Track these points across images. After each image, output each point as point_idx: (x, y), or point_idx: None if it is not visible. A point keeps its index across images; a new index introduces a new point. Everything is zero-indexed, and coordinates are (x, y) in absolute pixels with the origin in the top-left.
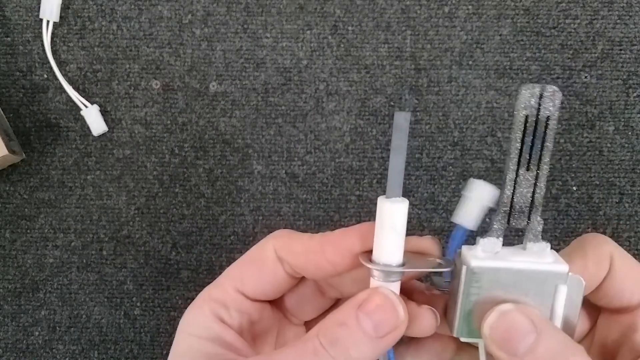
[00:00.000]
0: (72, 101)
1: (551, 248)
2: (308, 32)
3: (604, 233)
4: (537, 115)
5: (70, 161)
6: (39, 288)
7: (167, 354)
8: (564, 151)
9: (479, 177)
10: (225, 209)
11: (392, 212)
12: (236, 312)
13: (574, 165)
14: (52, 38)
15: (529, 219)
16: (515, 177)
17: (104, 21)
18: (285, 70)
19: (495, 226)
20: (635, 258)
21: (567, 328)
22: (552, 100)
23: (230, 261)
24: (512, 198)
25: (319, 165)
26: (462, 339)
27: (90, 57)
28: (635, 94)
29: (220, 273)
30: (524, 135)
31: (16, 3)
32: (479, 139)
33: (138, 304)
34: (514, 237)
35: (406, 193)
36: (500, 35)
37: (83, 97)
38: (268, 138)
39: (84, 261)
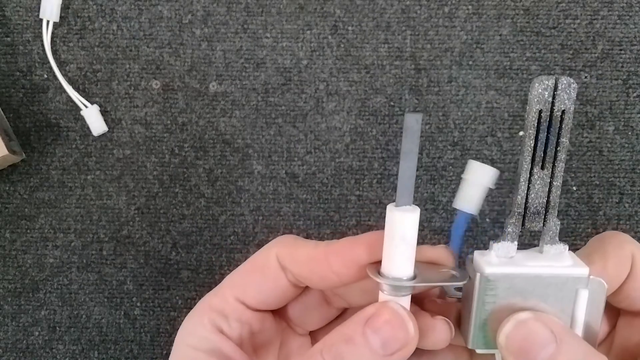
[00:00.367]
0: (72, 101)
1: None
2: (308, 32)
3: None
4: (552, 109)
5: (70, 161)
6: (39, 288)
7: (167, 354)
8: None
9: None
10: (225, 209)
11: (403, 222)
12: (236, 322)
13: (574, 165)
14: (52, 38)
15: (545, 220)
16: (530, 177)
17: (104, 21)
18: (285, 70)
19: (509, 229)
20: None
21: (589, 334)
22: (568, 92)
23: (230, 261)
24: (527, 199)
25: (319, 165)
26: (478, 351)
27: (90, 57)
28: (635, 94)
29: (220, 273)
30: (537, 132)
31: (16, 3)
32: (479, 139)
33: (138, 304)
34: (528, 240)
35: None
36: (500, 35)
37: (83, 97)
38: (268, 138)
39: (84, 261)
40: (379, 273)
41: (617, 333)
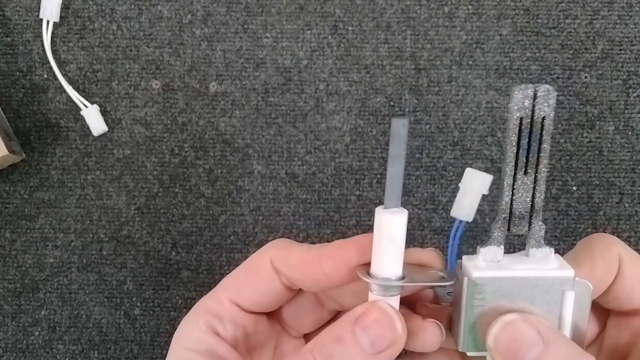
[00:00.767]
0: (72, 101)
1: (555, 251)
2: (308, 32)
3: (604, 233)
4: (532, 116)
5: (70, 161)
6: (39, 288)
7: (167, 354)
8: (564, 151)
9: None
10: (225, 209)
11: (391, 223)
12: (231, 324)
13: (574, 165)
14: (52, 38)
15: (530, 224)
16: (513, 182)
17: (104, 21)
18: (285, 70)
19: (495, 234)
20: None
21: (577, 335)
22: (547, 99)
23: (230, 261)
24: (511, 204)
25: (319, 165)
26: (469, 354)
27: (90, 57)
28: (635, 94)
29: (220, 273)
30: (519, 138)
31: (16, 3)
32: (479, 139)
33: (138, 304)
34: (516, 244)
35: (406, 193)
36: (500, 35)
37: (83, 97)
38: (268, 138)
39: (84, 261)
40: (368, 274)
41: (607, 333)
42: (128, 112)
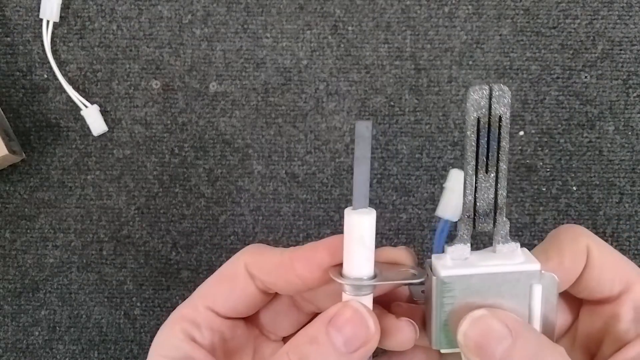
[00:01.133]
0: (72, 101)
1: (522, 246)
2: (308, 32)
3: (604, 233)
4: (489, 115)
5: (70, 161)
6: (39, 288)
7: None
8: (564, 151)
9: None
10: (225, 209)
11: (360, 224)
12: (208, 330)
13: (574, 165)
14: (52, 38)
15: (494, 221)
16: (475, 181)
17: (104, 21)
18: (285, 70)
19: (461, 232)
20: (635, 258)
21: (547, 326)
22: (502, 99)
23: None
24: (475, 202)
25: (319, 165)
26: (443, 351)
27: (90, 57)
28: (635, 94)
29: None
30: (478, 138)
31: (16, 3)
32: None
33: (138, 304)
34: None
35: (406, 193)
36: (500, 35)
37: (83, 97)
38: (268, 138)
39: (84, 261)
40: (341, 275)
41: (580, 322)
42: (128, 112)
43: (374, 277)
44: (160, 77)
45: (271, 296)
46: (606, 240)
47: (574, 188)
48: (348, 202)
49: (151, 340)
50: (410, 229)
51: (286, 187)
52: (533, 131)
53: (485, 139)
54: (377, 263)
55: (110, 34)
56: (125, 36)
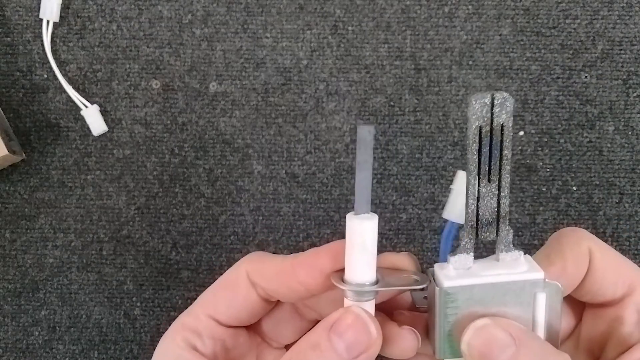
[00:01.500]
0: (72, 101)
1: (525, 253)
2: (308, 32)
3: (604, 233)
4: (491, 124)
5: (70, 161)
6: (39, 288)
7: None
8: (564, 151)
9: None
10: (225, 209)
11: (362, 229)
12: (209, 339)
13: (574, 165)
14: (52, 38)
15: (497, 230)
16: (478, 191)
17: (104, 21)
18: (285, 70)
19: (464, 242)
20: (635, 258)
21: (551, 334)
22: (504, 107)
23: (230, 261)
24: (477, 212)
25: (319, 165)
26: None
27: (90, 57)
28: (635, 94)
29: (220, 273)
30: (480, 147)
31: (16, 3)
32: None
33: (138, 304)
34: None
35: (406, 193)
36: (500, 35)
37: (83, 97)
38: (268, 138)
39: (84, 261)
40: (342, 280)
41: (583, 325)
42: (128, 112)
43: (376, 282)
44: (160, 77)
45: (273, 304)
46: (606, 241)
47: (574, 188)
48: (348, 202)
49: (151, 340)
50: (410, 229)
51: (286, 187)
52: (533, 131)
53: (488, 147)
54: (379, 268)
55: (110, 34)
56: (125, 36)
